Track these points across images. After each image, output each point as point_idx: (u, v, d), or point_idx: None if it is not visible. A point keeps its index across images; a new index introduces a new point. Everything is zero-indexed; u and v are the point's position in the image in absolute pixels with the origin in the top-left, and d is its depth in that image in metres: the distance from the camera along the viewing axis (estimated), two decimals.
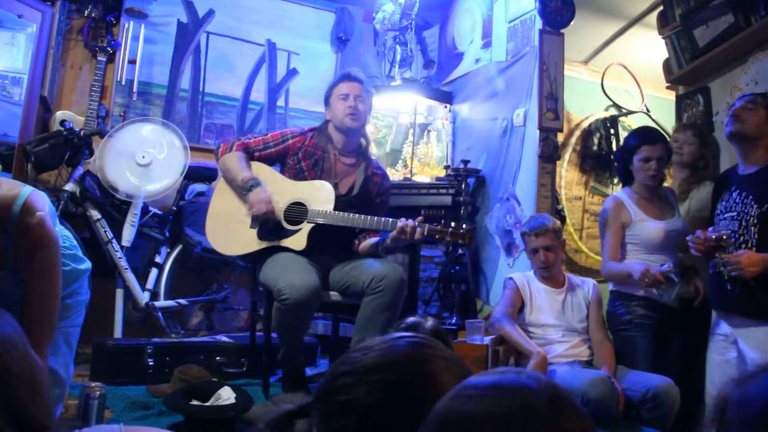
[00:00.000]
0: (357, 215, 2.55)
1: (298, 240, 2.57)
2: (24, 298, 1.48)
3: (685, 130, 2.93)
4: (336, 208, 2.57)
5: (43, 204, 1.48)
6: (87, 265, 1.85)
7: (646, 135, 2.72)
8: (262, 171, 2.69)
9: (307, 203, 2.60)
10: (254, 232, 2.63)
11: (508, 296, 2.66)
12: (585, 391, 2.23)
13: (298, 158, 2.69)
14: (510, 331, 2.54)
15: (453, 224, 2.47)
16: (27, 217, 1.43)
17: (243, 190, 2.59)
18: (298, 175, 2.68)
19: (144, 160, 3.29)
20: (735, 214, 2.35)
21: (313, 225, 2.57)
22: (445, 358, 0.86)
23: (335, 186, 2.63)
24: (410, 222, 2.45)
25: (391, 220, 2.52)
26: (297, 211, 2.61)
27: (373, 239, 2.65)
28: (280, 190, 2.63)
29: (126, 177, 3.26)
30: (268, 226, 2.61)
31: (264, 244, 2.61)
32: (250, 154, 2.69)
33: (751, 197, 2.30)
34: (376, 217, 2.54)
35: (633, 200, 2.68)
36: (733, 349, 2.33)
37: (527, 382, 0.62)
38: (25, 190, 1.46)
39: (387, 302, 2.40)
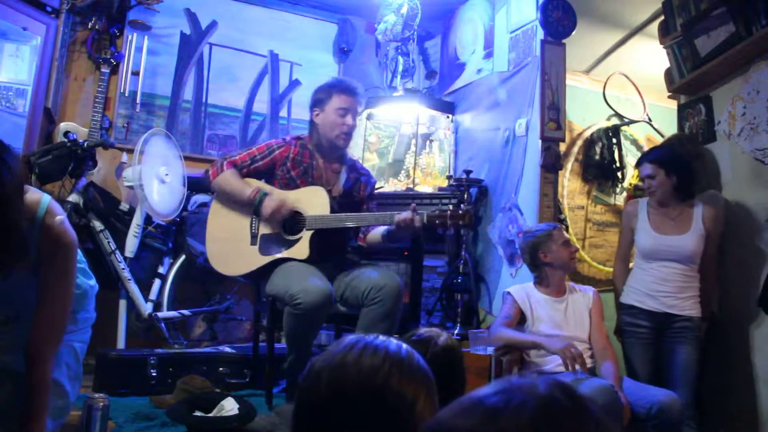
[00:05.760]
0: (354, 214, 2.59)
1: (300, 249, 2.57)
2: (39, 299, 1.54)
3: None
4: (331, 211, 2.59)
5: (61, 209, 1.59)
6: (94, 282, 1.90)
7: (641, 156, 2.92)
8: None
9: (304, 211, 2.61)
10: (255, 248, 2.64)
11: (505, 310, 2.63)
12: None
13: (287, 168, 2.70)
14: (510, 335, 2.51)
15: (451, 207, 2.48)
16: (50, 220, 1.54)
17: (253, 203, 2.60)
18: (289, 184, 2.68)
19: (168, 177, 3.30)
20: None
21: (312, 231, 2.58)
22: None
23: (328, 191, 2.65)
24: (407, 214, 2.45)
25: (388, 213, 2.52)
26: (295, 221, 2.62)
27: (381, 228, 2.65)
28: None
29: (174, 200, 3.27)
30: (269, 239, 2.62)
31: (267, 259, 2.61)
32: (239, 171, 2.68)
33: None
34: (374, 214, 2.59)
35: (648, 208, 2.80)
36: None
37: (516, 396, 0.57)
38: (46, 197, 1.57)
39: (385, 311, 2.41)
